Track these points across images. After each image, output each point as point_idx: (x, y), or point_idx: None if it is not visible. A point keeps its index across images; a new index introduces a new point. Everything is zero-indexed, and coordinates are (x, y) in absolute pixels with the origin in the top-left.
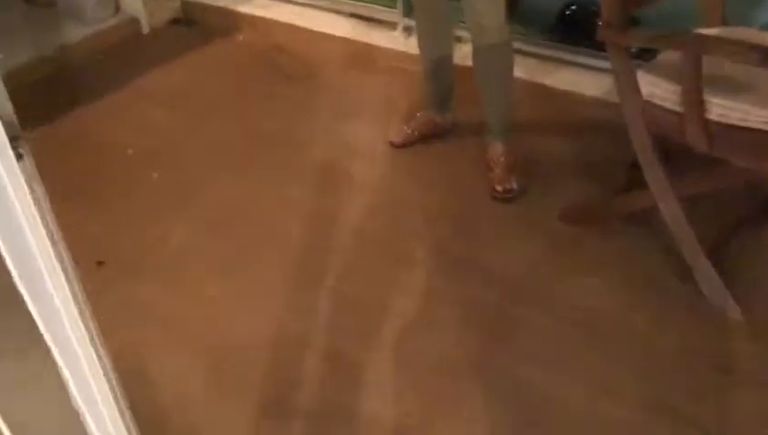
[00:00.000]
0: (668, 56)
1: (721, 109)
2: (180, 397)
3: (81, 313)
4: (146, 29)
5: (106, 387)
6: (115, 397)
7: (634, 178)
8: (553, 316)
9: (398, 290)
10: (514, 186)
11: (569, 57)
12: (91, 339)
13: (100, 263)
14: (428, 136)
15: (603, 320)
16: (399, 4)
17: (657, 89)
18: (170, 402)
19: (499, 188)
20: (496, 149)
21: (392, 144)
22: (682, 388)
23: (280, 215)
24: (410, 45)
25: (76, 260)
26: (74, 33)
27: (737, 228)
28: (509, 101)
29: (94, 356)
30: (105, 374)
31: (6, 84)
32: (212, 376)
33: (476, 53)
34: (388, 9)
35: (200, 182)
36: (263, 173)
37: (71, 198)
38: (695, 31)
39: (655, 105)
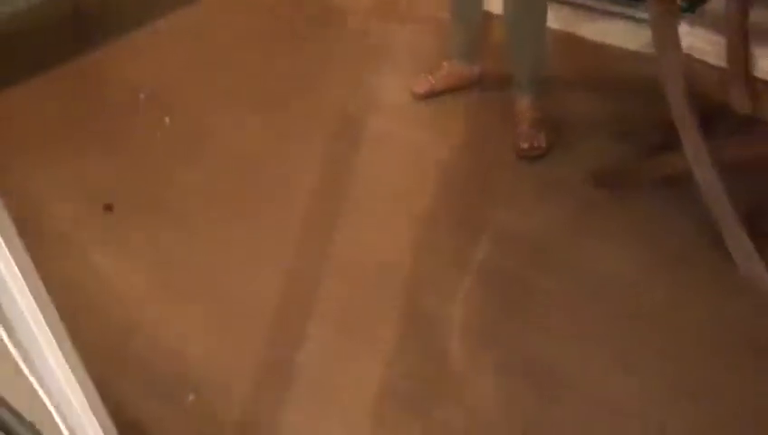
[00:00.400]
0: (713, 6)
1: None
2: (180, 346)
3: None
4: None
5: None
6: (61, 345)
7: (669, 140)
8: (573, 285)
9: (411, 248)
10: (542, 143)
11: (607, 6)
12: (34, 292)
13: (107, 207)
14: (454, 87)
15: (626, 291)
16: None
17: (699, 41)
18: (169, 349)
19: (524, 145)
20: (523, 104)
21: (415, 95)
22: (708, 367)
23: (294, 164)
24: None
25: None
26: None
27: None
28: (540, 52)
29: (38, 310)
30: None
31: (24, 22)
32: (214, 325)
33: None
34: None
35: (213, 128)
36: (278, 121)
37: (83, 140)
38: None
39: (695, 59)
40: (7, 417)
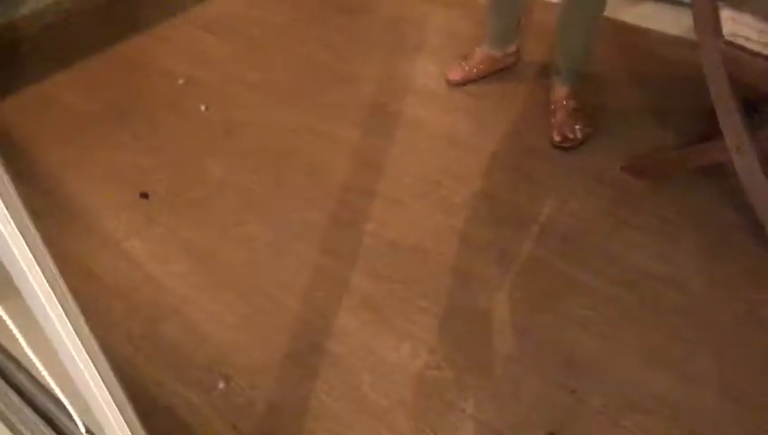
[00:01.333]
0: None
1: None
2: (210, 333)
3: (38, 259)
4: None
5: (69, 327)
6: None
7: (709, 128)
8: (607, 277)
9: (442, 238)
10: (577, 135)
11: None
12: (52, 283)
13: (143, 195)
14: (488, 73)
15: (661, 283)
16: None
17: (742, 27)
18: (200, 336)
19: (557, 137)
20: (561, 92)
21: (449, 82)
22: (746, 365)
23: (327, 153)
24: None
25: (120, 192)
26: None
27: None
28: (589, 44)
29: (55, 300)
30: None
31: (63, 10)
32: (245, 313)
33: None
34: None
35: (248, 116)
36: (313, 108)
37: (122, 127)
38: None
39: (738, 47)
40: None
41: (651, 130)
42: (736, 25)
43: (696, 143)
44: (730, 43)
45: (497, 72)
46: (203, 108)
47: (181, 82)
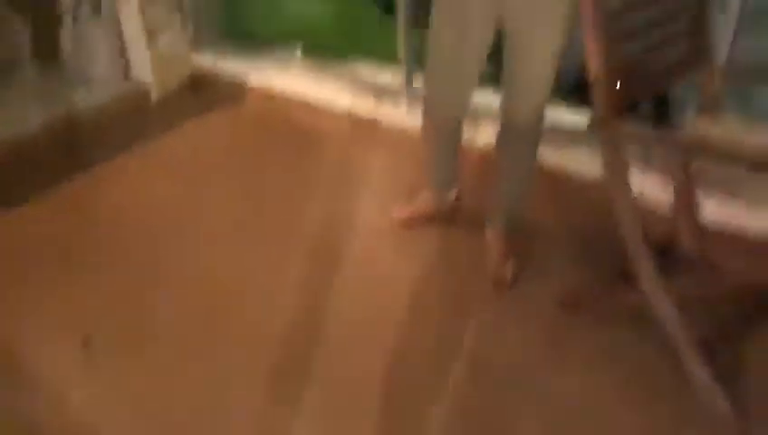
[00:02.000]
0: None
1: (715, 212)
2: None
3: None
4: (155, 95)
5: None
6: None
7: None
8: (544, 414)
9: (382, 381)
10: (507, 275)
11: (569, 134)
12: None
13: (85, 341)
14: (430, 216)
15: (591, 418)
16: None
17: (648, 188)
18: None
19: (493, 278)
20: (495, 233)
21: (394, 222)
22: None
23: (269, 294)
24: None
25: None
26: (83, 97)
27: (736, 326)
28: (526, 190)
29: None
30: None
31: (12, 149)
32: None
33: (507, 130)
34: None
35: (191, 257)
36: (258, 246)
37: (65, 267)
38: (684, 131)
39: (647, 203)
40: None
41: (580, 267)
42: (643, 185)
43: (622, 281)
44: (638, 200)
45: (440, 215)
46: (150, 246)
47: (128, 220)
